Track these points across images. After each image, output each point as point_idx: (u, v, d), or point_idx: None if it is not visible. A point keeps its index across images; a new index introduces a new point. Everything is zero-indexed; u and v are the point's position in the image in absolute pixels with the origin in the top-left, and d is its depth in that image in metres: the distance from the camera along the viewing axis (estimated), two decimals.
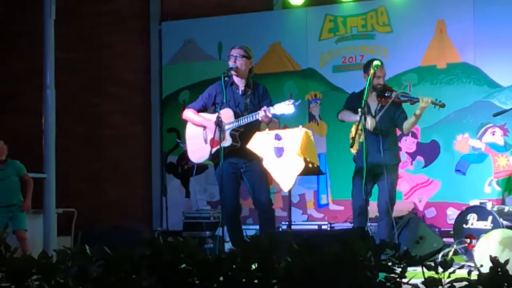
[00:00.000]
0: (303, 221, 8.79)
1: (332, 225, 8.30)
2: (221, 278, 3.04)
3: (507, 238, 5.49)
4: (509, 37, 8.18)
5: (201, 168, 9.37)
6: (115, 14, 9.97)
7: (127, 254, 3.11)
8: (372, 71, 5.85)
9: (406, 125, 6.56)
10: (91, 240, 6.01)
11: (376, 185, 6.61)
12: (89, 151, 9.90)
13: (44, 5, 7.54)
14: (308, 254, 2.84)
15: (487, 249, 5.43)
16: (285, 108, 5.75)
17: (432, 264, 2.89)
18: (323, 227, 8.30)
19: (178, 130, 9.55)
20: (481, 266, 3.24)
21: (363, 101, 5.69)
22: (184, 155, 9.51)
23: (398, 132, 6.86)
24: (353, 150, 5.99)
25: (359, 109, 5.77)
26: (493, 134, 8.24)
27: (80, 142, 9.88)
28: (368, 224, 7.16)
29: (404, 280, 2.94)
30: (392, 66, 8.02)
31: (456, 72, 8.43)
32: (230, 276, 2.98)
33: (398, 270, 2.92)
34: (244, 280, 2.93)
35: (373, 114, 6.46)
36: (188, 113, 6.44)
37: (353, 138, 5.87)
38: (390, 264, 2.89)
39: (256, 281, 2.96)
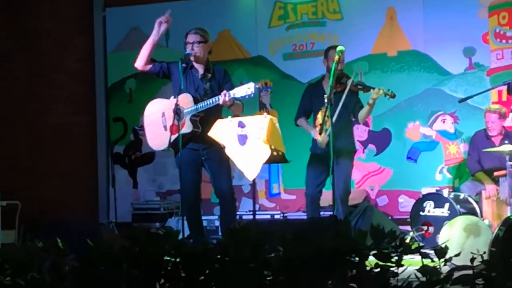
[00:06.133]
0: (249, 210, 8.65)
1: (285, 215, 8.21)
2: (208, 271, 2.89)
3: (471, 225, 5.50)
4: (458, 24, 8.20)
5: (149, 158, 9.19)
6: (56, 1, 9.63)
7: (106, 247, 2.94)
8: (337, 56, 5.74)
9: (361, 114, 6.49)
10: (36, 234, 5.75)
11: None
12: (31, 141, 9.54)
13: None
14: (303, 244, 2.72)
15: (451, 236, 5.42)
16: (245, 90, 5.61)
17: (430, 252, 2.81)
18: (276, 216, 8.21)
19: (125, 119, 9.32)
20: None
21: (329, 87, 5.58)
22: (131, 145, 9.32)
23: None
24: (319, 138, 5.89)
25: (325, 98, 5.60)
26: (444, 122, 8.28)
27: (21, 132, 9.52)
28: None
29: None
30: None
31: (407, 60, 8.43)
32: (219, 268, 2.83)
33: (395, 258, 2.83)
34: (235, 271, 2.78)
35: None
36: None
37: (321, 125, 5.77)
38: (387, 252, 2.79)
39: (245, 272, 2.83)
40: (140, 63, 6.16)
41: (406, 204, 8.17)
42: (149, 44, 6.10)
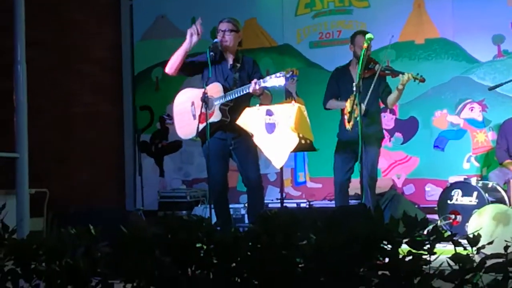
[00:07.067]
0: (277, 198, 8.65)
1: (311, 203, 8.20)
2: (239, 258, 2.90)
3: (501, 214, 5.46)
4: (487, 11, 8.12)
5: (175, 146, 9.22)
6: None
7: (139, 234, 2.95)
8: (365, 44, 5.73)
9: (390, 99, 6.49)
10: (64, 222, 5.80)
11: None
12: (58, 130, 9.60)
13: None
14: (335, 231, 2.71)
15: (480, 225, 5.38)
16: (275, 80, 5.62)
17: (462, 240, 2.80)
18: (302, 205, 8.21)
19: (151, 107, 9.37)
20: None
21: (357, 75, 5.57)
22: (158, 133, 9.36)
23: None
24: (349, 126, 5.88)
25: (354, 86, 5.60)
26: (472, 110, 8.21)
27: (48, 121, 9.57)
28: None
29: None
30: None
31: (435, 47, 8.37)
32: (251, 255, 2.84)
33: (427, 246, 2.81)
34: (266, 259, 2.78)
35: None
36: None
37: (350, 113, 5.76)
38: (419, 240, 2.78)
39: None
40: (170, 70, 6.18)
41: (433, 192, 8.13)
42: (181, 53, 6.10)
